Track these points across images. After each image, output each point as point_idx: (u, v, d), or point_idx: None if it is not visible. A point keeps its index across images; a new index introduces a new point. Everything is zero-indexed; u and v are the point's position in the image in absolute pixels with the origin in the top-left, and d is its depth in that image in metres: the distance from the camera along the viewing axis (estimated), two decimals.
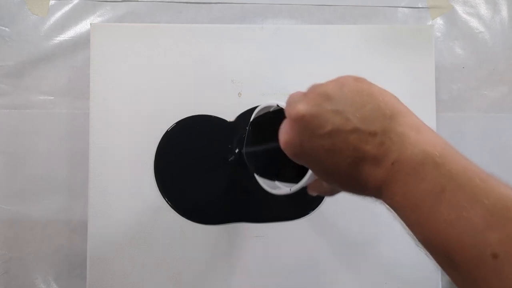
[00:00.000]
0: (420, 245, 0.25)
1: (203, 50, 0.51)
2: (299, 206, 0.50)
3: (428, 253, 0.25)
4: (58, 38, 0.56)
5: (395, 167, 0.25)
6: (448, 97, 0.56)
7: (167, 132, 0.50)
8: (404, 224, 0.26)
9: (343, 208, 0.50)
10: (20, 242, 0.54)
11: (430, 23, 0.57)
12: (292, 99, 0.28)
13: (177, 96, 0.51)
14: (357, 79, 0.27)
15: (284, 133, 0.28)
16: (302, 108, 0.26)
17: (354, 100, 0.26)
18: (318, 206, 0.50)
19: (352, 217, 0.50)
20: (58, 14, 0.56)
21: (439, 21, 0.57)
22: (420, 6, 0.57)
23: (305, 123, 0.26)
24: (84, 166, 0.50)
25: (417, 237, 0.25)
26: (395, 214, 0.27)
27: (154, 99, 0.51)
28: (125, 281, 0.49)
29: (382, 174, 0.25)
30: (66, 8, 0.56)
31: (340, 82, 0.27)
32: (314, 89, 0.28)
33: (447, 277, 0.54)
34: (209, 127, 0.51)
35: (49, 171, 0.54)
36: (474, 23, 0.57)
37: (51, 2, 0.56)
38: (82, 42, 0.55)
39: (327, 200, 0.50)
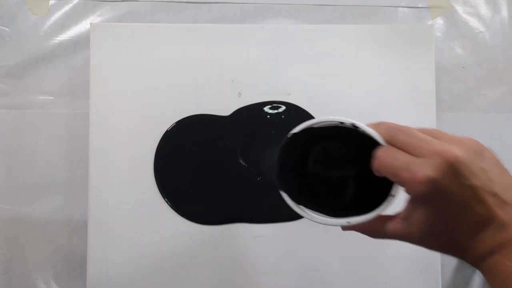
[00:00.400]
0: None
1: (203, 50, 0.51)
2: None
3: None
4: (58, 38, 0.56)
5: None
6: (448, 97, 0.56)
7: (166, 132, 0.50)
8: None
9: None
10: (20, 242, 0.54)
11: (430, 23, 0.57)
12: (444, 139, 0.28)
13: (177, 96, 0.51)
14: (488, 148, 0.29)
15: (430, 168, 0.26)
16: (459, 153, 0.26)
17: (497, 167, 0.28)
18: None
19: None
20: (58, 14, 0.56)
21: (439, 21, 0.57)
22: (420, 6, 0.57)
23: (456, 168, 0.26)
24: (84, 166, 0.50)
25: None
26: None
27: (154, 99, 0.51)
28: (125, 281, 0.49)
29: (503, 239, 0.27)
30: (66, 8, 0.56)
31: (480, 145, 0.28)
32: (463, 141, 0.28)
33: (447, 277, 0.54)
34: (209, 126, 0.51)
35: (49, 171, 0.54)
36: (474, 23, 0.57)
37: (51, 2, 0.56)
38: (82, 42, 0.55)
39: None
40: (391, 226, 0.31)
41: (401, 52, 0.52)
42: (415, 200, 0.28)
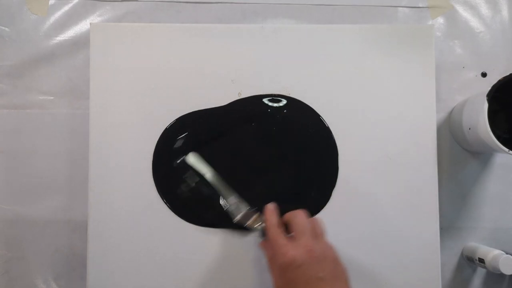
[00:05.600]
0: None
1: (203, 50, 0.51)
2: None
3: None
4: (58, 38, 0.56)
5: None
6: (448, 97, 0.56)
7: (166, 129, 0.50)
8: None
9: (343, 210, 0.50)
10: (20, 242, 0.54)
11: (430, 22, 0.57)
12: (316, 236, 0.44)
13: (177, 96, 0.51)
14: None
15: (296, 253, 0.41)
16: (318, 251, 0.42)
17: (332, 265, 0.42)
18: (322, 210, 0.50)
19: (352, 218, 0.50)
20: (58, 13, 0.56)
21: (439, 21, 0.57)
22: (421, 5, 0.57)
23: (310, 259, 0.41)
24: (84, 166, 0.50)
25: None
26: None
27: (154, 99, 0.51)
28: (125, 281, 0.49)
29: None
30: (66, 8, 0.56)
31: (330, 251, 0.44)
32: (323, 247, 0.43)
33: (447, 277, 0.54)
34: (206, 122, 0.51)
35: (49, 171, 0.54)
36: (474, 22, 0.57)
37: (51, 2, 0.56)
38: (82, 42, 0.55)
39: (328, 202, 0.50)
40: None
41: (401, 52, 0.52)
42: (279, 270, 0.41)
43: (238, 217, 0.48)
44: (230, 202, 0.49)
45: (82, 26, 0.56)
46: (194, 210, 0.50)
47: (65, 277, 0.53)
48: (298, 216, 0.44)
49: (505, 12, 0.57)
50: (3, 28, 0.55)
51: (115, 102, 0.50)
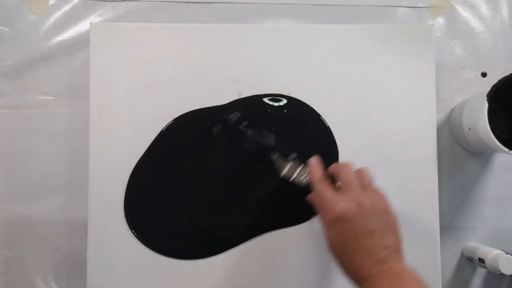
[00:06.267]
0: None
1: (203, 50, 0.51)
2: (302, 210, 0.50)
3: None
4: (58, 38, 0.56)
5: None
6: (448, 97, 0.56)
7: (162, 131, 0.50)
8: None
9: None
10: (20, 242, 0.54)
11: (430, 22, 0.57)
12: (367, 188, 0.43)
13: (177, 96, 0.51)
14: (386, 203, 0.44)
15: (345, 206, 0.40)
16: (367, 204, 0.41)
17: (387, 220, 0.42)
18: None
19: None
20: (58, 13, 0.56)
21: (439, 21, 0.57)
22: (421, 5, 0.57)
23: (361, 212, 0.40)
24: (84, 166, 0.50)
25: None
26: None
27: (154, 99, 0.51)
28: (125, 281, 0.49)
29: (379, 269, 0.38)
30: (66, 8, 0.56)
31: (383, 200, 0.43)
32: (373, 195, 0.43)
33: (447, 277, 0.54)
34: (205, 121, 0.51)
35: (49, 171, 0.54)
36: (474, 23, 0.57)
37: (51, 2, 0.56)
38: (82, 42, 0.55)
39: None
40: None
41: (401, 52, 0.52)
42: (329, 223, 0.41)
43: (285, 171, 0.48)
44: (274, 157, 0.48)
45: (82, 26, 0.56)
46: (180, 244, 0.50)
47: (65, 277, 0.53)
48: (344, 168, 0.43)
49: (505, 12, 0.57)
50: (3, 28, 0.55)
51: (115, 102, 0.50)
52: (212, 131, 0.50)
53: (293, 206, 0.50)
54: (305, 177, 0.47)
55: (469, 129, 0.49)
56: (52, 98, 0.55)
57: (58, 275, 0.53)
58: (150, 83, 0.51)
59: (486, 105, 0.45)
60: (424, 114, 0.51)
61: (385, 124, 0.51)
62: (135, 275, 0.49)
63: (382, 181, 0.50)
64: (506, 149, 0.45)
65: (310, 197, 0.45)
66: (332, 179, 0.44)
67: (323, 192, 0.42)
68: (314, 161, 0.46)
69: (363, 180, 0.43)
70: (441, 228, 0.51)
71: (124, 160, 0.50)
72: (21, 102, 0.55)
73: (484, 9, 0.58)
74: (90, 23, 0.52)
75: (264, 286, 0.50)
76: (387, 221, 0.41)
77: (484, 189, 0.55)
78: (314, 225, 0.50)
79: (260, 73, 0.51)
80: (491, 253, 0.49)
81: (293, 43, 0.52)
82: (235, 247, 0.49)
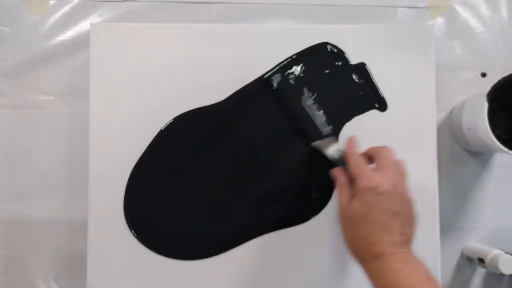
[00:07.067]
0: None
1: (203, 50, 0.51)
2: (303, 211, 0.50)
3: None
4: (58, 38, 0.56)
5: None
6: (448, 97, 0.56)
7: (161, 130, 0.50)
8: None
9: None
10: (20, 242, 0.54)
11: (430, 23, 0.57)
12: (397, 168, 0.43)
13: (177, 96, 0.51)
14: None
15: (381, 181, 0.41)
16: (402, 186, 0.43)
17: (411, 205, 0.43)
18: (323, 210, 0.50)
19: None
20: (58, 14, 0.56)
21: (439, 21, 0.57)
22: (420, 6, 0.57)
23: (394, 191, 0.41)
24: (84, 166, 0.50)
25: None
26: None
27: (154, 99, 0.51)
28: (125, 281, 0.49)
29: (394, 249, 0.38)
30: (66, 8, 0.56)
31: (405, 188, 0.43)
32: (402, 179, 0.44)
33: (447, 277, 0.54)
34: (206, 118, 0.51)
35: (49, 171, 0.54)
36: (474, 23, 0.57)
37: (51, 2, 0.56)
38: (82, 42, 0.55)
39: (329, 202, 0.50)
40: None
41: (401, 52, 0.52)
42: (358, 193, 0.41)
43: (317, 142, 0.49)
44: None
45: (82, 26, 0.56)
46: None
47: (65, 277, 0.53)
48: (386, 151, 0.44)
49: (505, 12, 0.57)
50: (3, 28, 0.55)
51: (115, 102, 0.50)
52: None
53: (294, 206, 0.50)
54: (339, 151, 0.47)
55: (469, 129, 0.49)
56: (52, 98, 0.55)
57: (58, 275, 0.53)
58: (150, 83, 0.51)
59: (486, 105, 0.45)
60: (424, 114, 0.51)
61: (385, 124, 0.51)
62: (135, 275, 0.49)
63: None
64: (506, 149, 0.45)
65: (336, 170, 0.46)
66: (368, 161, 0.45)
67: (360, 164, 0.43)
68: (353, 138, 0.47)
69: (400, 169, 0.43)
70: (441, 228, 0.51)
71: (124, 160, 0.50)
72: (21, 102, 0.55)
73: (484, 9, 0.58)
74: (90, 23, 0.52)
75: (265, 286, 0.50)
76: (412, 213, 0.42)
77: (484, 189, 0.55)
78: (314, 225, 0.50)
79: (260, 73, 0.51)
80: (491, 253, 0.49)
81: (293, 43, 0.52)
82: (236, 247, 0.49)
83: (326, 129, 0.50)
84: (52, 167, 0.54)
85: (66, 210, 0.54)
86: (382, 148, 0.44)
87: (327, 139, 0.49)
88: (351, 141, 0.47)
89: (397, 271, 0.37)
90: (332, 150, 0.48)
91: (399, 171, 0.43)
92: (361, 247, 0.40)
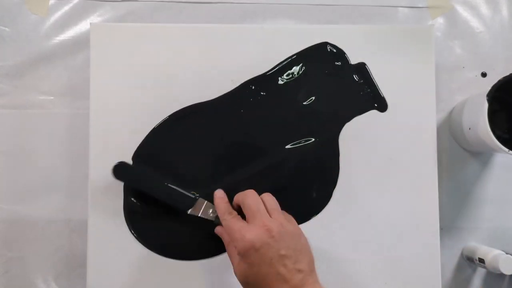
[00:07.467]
0: None
1: (203, 50, 0.51)
2: (303, 210, 0.50)
3: None
4: (58, 38, 0.56)
5: None
6: (448, 97, 0.56)
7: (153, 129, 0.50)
8: None
9: (344, 210, 0.50)
10: (20, 242, 0.54)
11: (430, 23, 0.57)
12: (272, 213, 0.43)
13: (177, 96, 0.51)
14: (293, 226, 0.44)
15: (254, 234, 0.40)
16: (275, 229, 0.40)
17: (298, 243, 0.42)
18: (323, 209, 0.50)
19: (352, 218, 0.50)
20: (58, 14, 0.56)
21: (439, 21, 0.57)
22: (420, 6, 0.57)
23: (271, 239, 0.40)
24: (84, 166, 0.50)
25: None
26: None
27: (154, 99, 0.51)
28: (125, 281, 0.49)
29: None
30: (66, 8, 0.56)
31: (292, 226, 0.43)
32: (280, 220, 0.42)
33: (447, 277, 0.54)
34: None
35: (49, 171, 0.54)
36: (474, 23, 0.57)
37: (51, 2, 0.56)
38: (82, 42, 0.55)
39: (329, 202, 0.50)
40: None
41: (401, 52, 0.52)
42: (240, 254, 0.40)
43: (189, 211, 0.47)
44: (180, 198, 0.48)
45: (82, 26, 0.56)
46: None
47: (65, 277, 0.53)
48: (249, 196, 0.43)
49: (505, 12, 0.57)
50: (3, 28, 0.55)
51: (115, 102, 0.50)
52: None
53: (294, 206, 0.50)
54: (212, 211, 0.46)
55: (469, 129, 0.49)
56: (52, 98, 0.55)
57: (58, 275, 0.53)
58: (150, 83, 0.51)
59: (486, 105, 0.45)
60: (424, 114, 0.51)
61: (385, 124, 0.51)
62: (135, 275, 0.49)
63: (382, 181, 0.51)
64: (506, 149, 0.45)
65: (218, 229, 0.46)
66: (240, 210, 0.44)
67: (230, 224, 0.42)
68: (219, 194, 0.46)
69: (268, 207, 0.42)
70: (441, 228, 0.51)
71: (124, 160, 0.50)
72: (21, 102, 0.55)
73: (484, 9, 0.58)
74: (90, 23, 0.52)
75: None
76: (298, 243, 0.41)
77: (484, 189, 0.55)
78: (314, 225, 0.50)
79: (260, 73, 0.51)
80: (491, 253, 0.49)
81: (293, 43, 0.52)
82: None
83: (189, 195, 0.48)
84: (52, 167, 0.54)
85: (66, 210, 0.54)
86: (245, 194, 0.43)
87: (196, 205, 0.47)
88: (217, 198, 0.46)
89: None
90: (205, 214, 0.47)
91: (270, 209, 0.42)
92: None
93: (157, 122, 0.50)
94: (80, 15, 0.56)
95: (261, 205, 0.42)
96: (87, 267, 0.49)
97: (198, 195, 0.48)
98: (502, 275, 0.51)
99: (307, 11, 0.57)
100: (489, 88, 0.45)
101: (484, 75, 0.57)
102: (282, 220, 0.41)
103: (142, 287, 0.49)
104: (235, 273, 0.41)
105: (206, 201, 0.47)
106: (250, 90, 0.51)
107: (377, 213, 0.50)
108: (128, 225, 0.49)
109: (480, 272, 0.54)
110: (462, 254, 0.54)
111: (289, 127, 0.51)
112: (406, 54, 0.52)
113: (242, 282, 0.40)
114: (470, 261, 0.53)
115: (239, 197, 0.44)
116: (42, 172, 0.54)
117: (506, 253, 0.49)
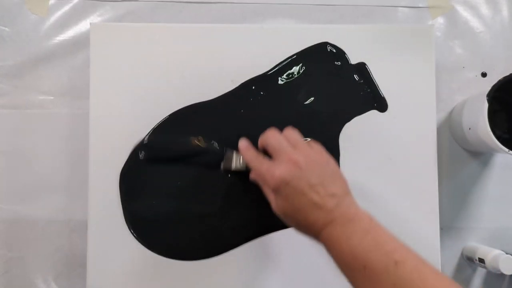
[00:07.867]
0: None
1: (203, 50, 0.51)
2: None
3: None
4: (58, 38, 0.56)
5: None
6: (448, 97, 0.56)
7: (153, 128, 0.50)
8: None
9: None
10: (20, 242, 0.54)
11: (430, 23, 0.57)
12: (297, 146, 0.43)
13: (176, 96, 0.51)
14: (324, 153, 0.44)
15: (283, 169, 0.41)
16: (302, 161, 0.41)
17: (327, 169, 0.42)
18: None
19: None
20: (58, 13, 0.56)
21: (439, 21, 0.57)
22: (420, 6, 0.57)
23: (299, 170, 0.41)
24: (84, 166, 0.50)
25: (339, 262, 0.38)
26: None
27: (153, 99, 0.51)
28: (125, 281, 0.49)
29: (331, 218, 0.39)
30: (66, 8, 0.56)
31: (318, 153, 0.44)
32: (307, 151, 0.43)
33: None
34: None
35: (49, 171, 0.54)
36: (474, 22, 0.57)
37: (51, 2, 0.56)
38: (82, 42, 0.55)
39: None
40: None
41: (401, 52, 0.52)
42: (274, 191, 0.41)
43: (222, 164, 0.48)
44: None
45: (82, 26, 0.56)
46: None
47: (65, 277, 0.53)
48: (270, 136, 0.44)
49: (505, 12, 0.57)
50: (3, 28, 0.55)
51: (115, 102, 0.50)
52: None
53: None
54: (241, 161, 0.48)
55: (469, 129, 0.49)
56: (52, 98, 0.55)
57: (58, 275, 0.53)
58: (150, 83, 0.51)
59: (486, 105, 0.45)
60: (424, 114, 0.51)
61: (385, 124, 0.51)
62: (135, 275, 0.49)
63: (382, 181, 0.51)
64: (506, 149, 0.45)
65: (252, 176, 0.46)
66: (266, 152, 0.45)
67: (259, 166, 0.43)
68: (243, 144, 0.47)
69: (291, 140, 0.43)
70: (441, 228, 0.51)
71: (124, 160, 0.50)
72: (21, 102, 0.55)
73: (484, 9, 0.58)
74: (90, 23, 0.52)
75: (265, 286, 0.50)
76: (328, 169, 0.42)
77: (484, 189, 0.55)
78: None
79: (260, 73, 0.51)
80: (491, 253, 0.49)
81: (293, 43, 0.52)
82: (236, 247, 0.49)
83: (217, 148, 0.49)
84: (52, 167, 0.54)
85: (66, 210, 0.54)
86: (266, 135, 0.44)
87: (226, 156, 0.49)
88: (243, 147, 0.46)
89: (346, 238, 0.38)
90: (236, 164, 0.48)
91: (293, 143, 0.43)
92: (307, 232, 0.41)
93: (156, 122, 0.50)
94: (80, 15, 0.56)
95: (283, 141, 0.43)
96: (87, 267, 0.49)
97: (227, 150, 0.49)
98: (502, 275, 0.51)
99: (307, 11, 0.57)
100: (489, 88, 0.45)
101: (484, 75, 0.57)
102: (307, 150, 0.42)
103: (142, 287, 0.49)
104: (274, 210, 0.42)
105: (234, 151, 0.48)
106: (250, 90, 0.51)
107: (377, 213, 0.50)
108: (128, 225, 0.49)
109: (480, 272, 0.54)
110: (462, 254, 0.54)
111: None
112: (406, 54, 0.52)
113: (282, 215, 0.42)
114: (470, 261, 0.53)
115: (261, 140, 0.45)
116: (42, 172, 0.54)
117: (506, 253, 0.49)
